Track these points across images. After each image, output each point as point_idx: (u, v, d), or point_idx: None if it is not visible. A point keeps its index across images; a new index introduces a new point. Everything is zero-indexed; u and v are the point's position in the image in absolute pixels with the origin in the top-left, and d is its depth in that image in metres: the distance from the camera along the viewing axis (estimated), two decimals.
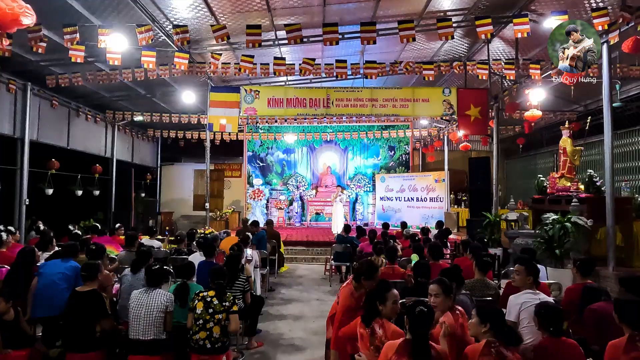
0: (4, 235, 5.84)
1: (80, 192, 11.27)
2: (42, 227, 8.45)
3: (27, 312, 4.18)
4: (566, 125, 8.41)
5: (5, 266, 4.94)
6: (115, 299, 4.57)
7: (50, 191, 9.95)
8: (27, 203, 8.75)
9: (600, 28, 6.07)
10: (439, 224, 9.24)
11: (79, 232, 6.87)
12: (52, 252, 5.23)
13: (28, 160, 8.86)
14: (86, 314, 3.59)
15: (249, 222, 8.72)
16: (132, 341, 3.62)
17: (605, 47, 6.36)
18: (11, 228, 7.32)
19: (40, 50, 6.51)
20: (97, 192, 12.05)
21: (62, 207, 11.18)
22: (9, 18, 3.03)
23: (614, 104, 6.79)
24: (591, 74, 7.69)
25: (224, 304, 3.72)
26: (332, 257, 8.42)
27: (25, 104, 8.85)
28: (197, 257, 5.52)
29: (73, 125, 10.96)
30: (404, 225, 9.48)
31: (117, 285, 4.89)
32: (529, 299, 3.31)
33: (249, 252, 6.11)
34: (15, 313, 3.70)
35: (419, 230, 8.94)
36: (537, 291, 3.42)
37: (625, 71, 8.07)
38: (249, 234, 7.01)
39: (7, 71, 8.28)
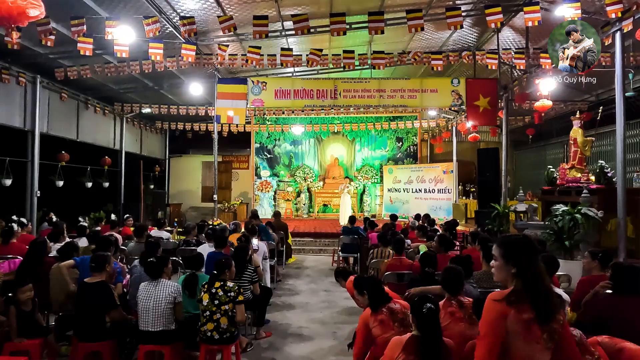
0: (15, 226, 5.94)
1: (90, 184, 11.39)
2: (54, 218, 8.58)
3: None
4: (577, 116, 8.28)
5: (19, 257, 5.03)
6: (125, 290, 4.63)
7: (60, 183, 10.08)
8: (38, 195, 8.86)
9: (613, 16, 5.94)
10: (426, 216, 9.12)
11: (85, 224, 6.95)
12: (63, 243, 5.30)
13: (39, 153, 8.96)
14: (95, 304, 3.65)
15: (254, 213, 8.79)
16: (142, 331, 3.68)
17: (618, 35, 6.23)
18: (23, 220, 7.45)
19: (49, 43, 6.55)
20: (106, 184, 12.17)
21: (72, 199, 11.32)
22: (15, 12, 3.03)
23: (626, 94, 6.66)
24: (603, 63, 7.56)
25: (229, 294, 3.74)
26: (339, 248, 8.44)
27: (35, 96, 8.93)
28: (205, 248, 5.57)
29: (82, 118, 11.04)
30: (417, 217, 9.43)
31: (126, 277, 4.95)
32: None
33: (255, 242, 6.15)
34: (32, 304, 3.79)
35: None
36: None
37: (639, 60, 7.91)
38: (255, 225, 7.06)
39: (17, 64, 8.35)
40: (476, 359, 1.89)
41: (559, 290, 3.37)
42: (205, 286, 3.80)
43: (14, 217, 7.36)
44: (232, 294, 3.76)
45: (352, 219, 8.92)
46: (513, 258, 1.91)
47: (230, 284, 3.86)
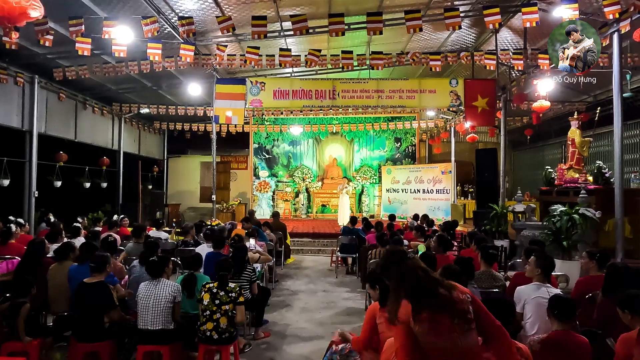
0: (13, 227, 5.93)
1: (88, 185, 11.36)
2: (52, 219, 8.56)
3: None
4: (575, 116, 8.31)
5: (17, 257, 5.02)
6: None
7: (58, 183, 10.05)
8: (36, 195, 8.84)
9: (611, 17, 5.96)
10: (424, 217, 9.13)
11: (79, 226, 6.93)
12: (61, 243, 5.28)
13: (37, 153, 8.94)
14: (94, 305, 3.64)
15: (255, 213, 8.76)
16: (140, 331, 3.67)
17: (615, 36, 6.25)
18: (21, 220, 7.43)
19: (47, 43, 6.54)
20: (104, 185, 12.14)
21: (70, 199, 11.29)
22: (17, 12, 3.07)
23: (624, 94, 6.68)
24: (601, 64, 7.59)
25: (230, 294, 3.75)
26: (338, 248, 8.45)
27: (33, 96, 8.91)
28: (204, 249, 5.57)
29: (80, 118, 11.02)
30: (416, 217, 9.46)
31: (125, 277, 4.94)
32: (535, 291, 3.29)
33: (252, 242, 6.15)
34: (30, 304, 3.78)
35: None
36: (547, 284, 3.39)
37: (636, 61, 7.93)
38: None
39: (15, 64, 8.33)
40: None
41: (555, 290, 3.38)
42: (207, 286, 3.80)
43: (12, 218, 7.34)
44: (233, 294, 3.77)
45: (353, 220, 8.94)
46: (393, 287, 2.04)
47: (231, 284, 3.87)
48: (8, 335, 3.63)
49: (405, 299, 1.96)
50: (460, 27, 7.06)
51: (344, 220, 11.75)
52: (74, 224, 7.20)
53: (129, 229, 7.47)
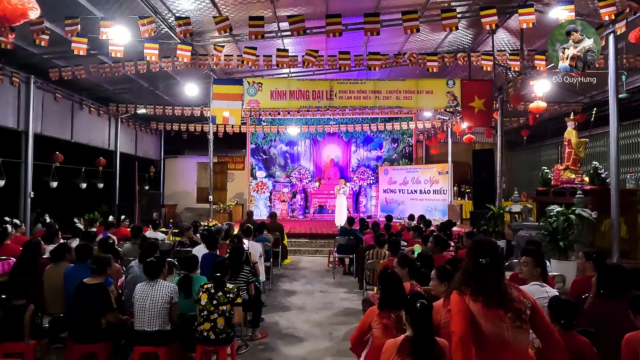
0: (9, 227, 5.90)
1: (84, 185, 11.31)
2: (48, 220, 8.52)
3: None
4: (571, 117, 8.34)
5: (12, 258, 5.00)
6: (120, 292, 4.61)
7: (54, 184, 10.00)
8: (32, 196, 8.79)
9: (607, 18, 5.99)
10: (421, 217, 9.17)
11: (80, 226, 6.90)
12: (57, 244, 5.26)
13: (32, 153, 8.89)
14: (92, 306, 3.63)
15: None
16: (137, 332, 3.66)
17: (611, 37, 6.28)
18: (17, 221, 7.39)
19: (43, 43, 6.50)
20: (101, 185, 12.09)
21: (66, 200, 11.24)
22: (18, 12, 3.14)
23: (619, 95, 6.72)
24: (597, 65, 7.63)
25: (227, 295, 3.74)
26: (335, 249, 8.44)
27: (28, 97, 8.86)
28: (201, 250, 5.55)
29: (76, 118, 10.98)
30: (411, 217, 9.48)
31: (121, 278, 4.93)
32: (536, 291, 3.28)
33: (246, 242, 6.14)
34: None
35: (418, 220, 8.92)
36: (544, 284, 3.39)
37: (632, 62, 7.97)
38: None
39: (11, 64, 8.28)
40: (452, 326, 2.16)
41: (553, 291, 3.38)
42: (205, 286, 3.80)
43: (7, 219, 7.30)
44: (231, 295, 3.76)
45: (350, 220, 8.94)
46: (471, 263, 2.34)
47: (229, 285, 3.86)
48: (5, 337, 3.60)
49: (468, 280, 2.24)
50: (457, 28, 7.08)
51: (341, 220, 11.75)
52: (75, 224, 7.18)
53: (128, 229, 7.45)
